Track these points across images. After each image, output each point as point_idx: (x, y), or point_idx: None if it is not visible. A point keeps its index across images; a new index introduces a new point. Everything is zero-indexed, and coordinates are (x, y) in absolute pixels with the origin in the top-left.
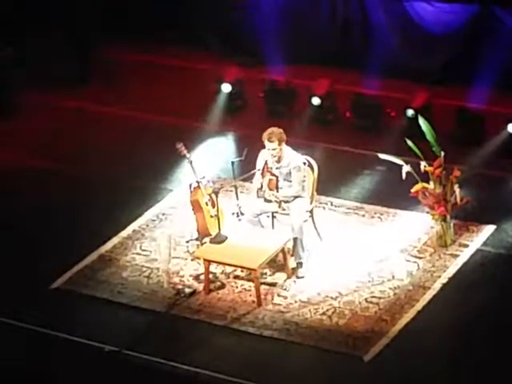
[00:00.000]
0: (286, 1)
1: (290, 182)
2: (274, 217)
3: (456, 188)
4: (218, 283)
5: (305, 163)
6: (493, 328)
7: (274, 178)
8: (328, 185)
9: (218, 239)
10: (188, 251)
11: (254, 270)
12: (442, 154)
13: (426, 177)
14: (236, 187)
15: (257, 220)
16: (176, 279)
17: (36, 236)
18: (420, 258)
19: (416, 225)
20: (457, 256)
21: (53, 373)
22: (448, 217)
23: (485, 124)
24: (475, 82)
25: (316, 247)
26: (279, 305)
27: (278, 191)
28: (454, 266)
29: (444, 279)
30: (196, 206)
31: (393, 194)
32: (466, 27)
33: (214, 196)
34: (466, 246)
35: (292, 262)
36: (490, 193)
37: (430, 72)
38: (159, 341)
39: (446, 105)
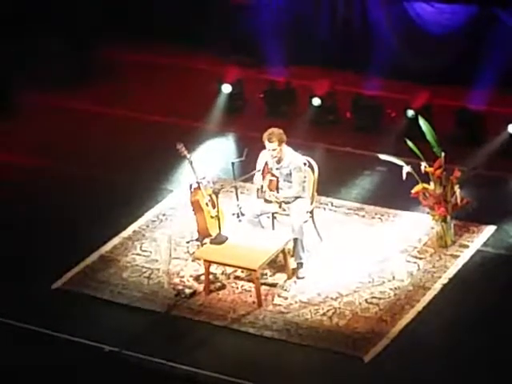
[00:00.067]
0: (287, 1)
1: (291, 182)
2: (274, 217)
3: (456, 189)
4: (219, 284)
5: (305, 164)
6: (493, 328)
7: (274, 178)
8: (328, 185)
9: (219, 240)
10: (188, 252)
11: (255, 270)
12: (443, 154)
13: (426, 177)
14: (236, 188)
15: (257, 221)
16: (176, 280)
17: (36, 236)
18: (420, 258)
19: (416, 225)
20: (457, 256)
21: (53, 373)
22: (448, 217)
23: (485, 124)
24: (475, 82)
25: (316, 248)
26: (279, 305)
27: (278, 192)
28: (454, 267)
29: (444, 280)
30: (196, 207)
31: (393, 195)
32: (465, 28)
33: (214, 196)
34: (467, 246)
35: (292, 263)
36: (490, 193)
37: (430, 73)
38: (159, 341)
39: (446, 105)
